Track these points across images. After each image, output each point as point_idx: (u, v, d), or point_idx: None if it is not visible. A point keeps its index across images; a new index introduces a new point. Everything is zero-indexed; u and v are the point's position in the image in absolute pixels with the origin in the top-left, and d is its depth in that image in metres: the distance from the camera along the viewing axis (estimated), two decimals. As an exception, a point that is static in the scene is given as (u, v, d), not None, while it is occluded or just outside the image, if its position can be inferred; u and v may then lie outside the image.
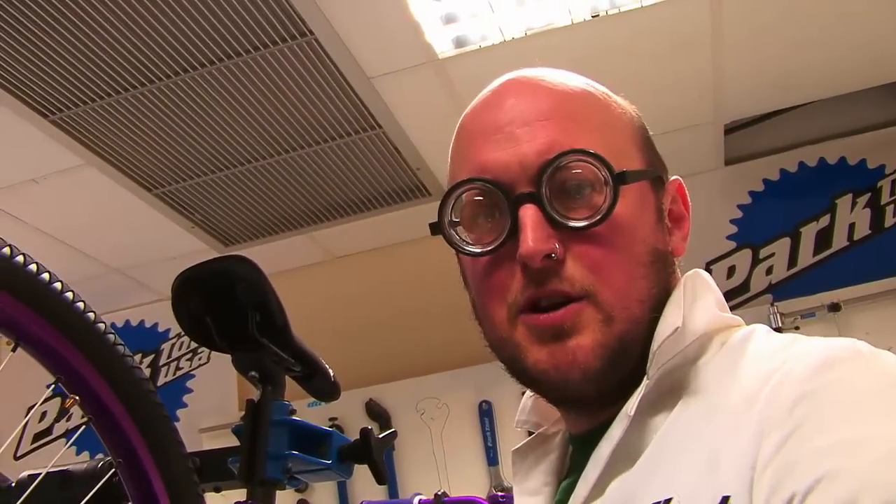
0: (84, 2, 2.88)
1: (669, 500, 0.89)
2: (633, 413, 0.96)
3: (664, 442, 0.96)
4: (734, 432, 0.88)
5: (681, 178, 1.15)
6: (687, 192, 1.16)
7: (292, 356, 1.36)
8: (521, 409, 1.26)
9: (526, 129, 1.03)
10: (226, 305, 1.31)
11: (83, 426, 1.07)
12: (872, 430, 0.80)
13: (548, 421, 1.22)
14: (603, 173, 1.00)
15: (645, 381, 0.98)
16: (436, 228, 1.09)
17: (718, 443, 0.89)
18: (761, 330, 1.03)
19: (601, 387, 1.00)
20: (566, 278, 0.99)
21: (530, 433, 1.24)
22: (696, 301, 1.05)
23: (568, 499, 1.02)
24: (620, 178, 1.01)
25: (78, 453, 4.18)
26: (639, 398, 0.96)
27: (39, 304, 0.98)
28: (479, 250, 1.05)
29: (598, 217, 0.99)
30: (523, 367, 1.04)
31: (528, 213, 0.99)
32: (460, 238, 1.07)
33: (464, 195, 1.06)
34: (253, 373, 1.33)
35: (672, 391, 0.99)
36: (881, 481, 0.75)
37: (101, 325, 1.06)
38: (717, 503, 0.85)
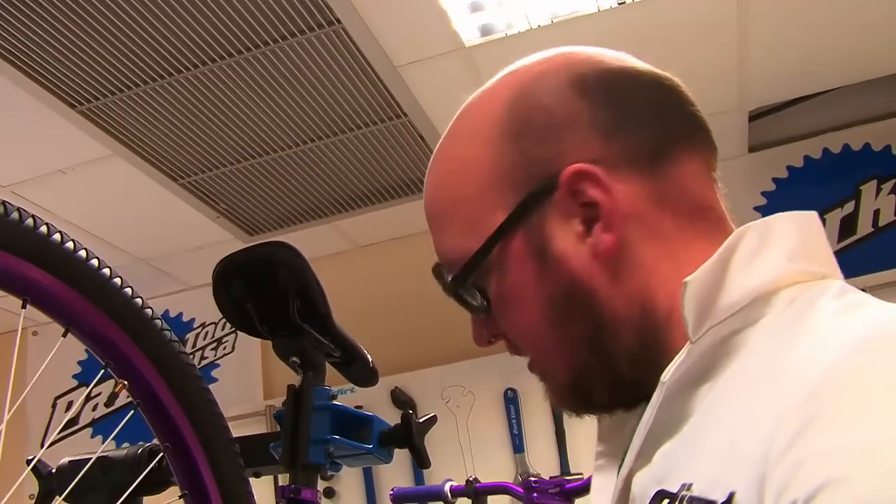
0: (112, -8, 2.89)
1: (692, 485, 0.84)
2: (666, 379, 0.90)
3: (706, 415, 0.89)
4: (756, 416, 0.79)
5: (579, 165, 0.96)
6: (592, 168, 0.96)
7: (333, 342, 1.36)
8: None
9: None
10: (267, 291, 1.32)
11: (130, 412, 1.08)
12: (887, 434, 0.68)
13: None
14: (455, 283, 1.03)
15: (687, 346, 0.90)
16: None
17: (741, 426, 0.81)
18: (834, 289, 0.91)
19: (598, 408, 1.04)
20: (512, 346, 1.06)
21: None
22: (760, 254, 0.93)
23: None
24: (468, 275, 1.02)
25: (104, 442, 4.20)
26: (677, 364, 0.90)
27: (89, 290, 0.99)
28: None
29: (483, 314, 1.05)
30: None
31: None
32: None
33: None
34: (294, 358, 1.33)
35: (727, 356, 0.91)
36: (889, 497, 0.65)
37: (149, 311, 1.07)
38: (724, 498, 0.78)
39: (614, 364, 0.97)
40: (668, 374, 0.90)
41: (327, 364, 1.41)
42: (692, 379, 0.91)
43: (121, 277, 1.04)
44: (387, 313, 4.82)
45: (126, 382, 1.05)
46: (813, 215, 0.98)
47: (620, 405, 1.02)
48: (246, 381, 5.03)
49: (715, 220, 1.01)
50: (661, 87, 1.04)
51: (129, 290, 1.04)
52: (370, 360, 1.46)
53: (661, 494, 0.88)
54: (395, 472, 4.36)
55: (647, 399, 0.92)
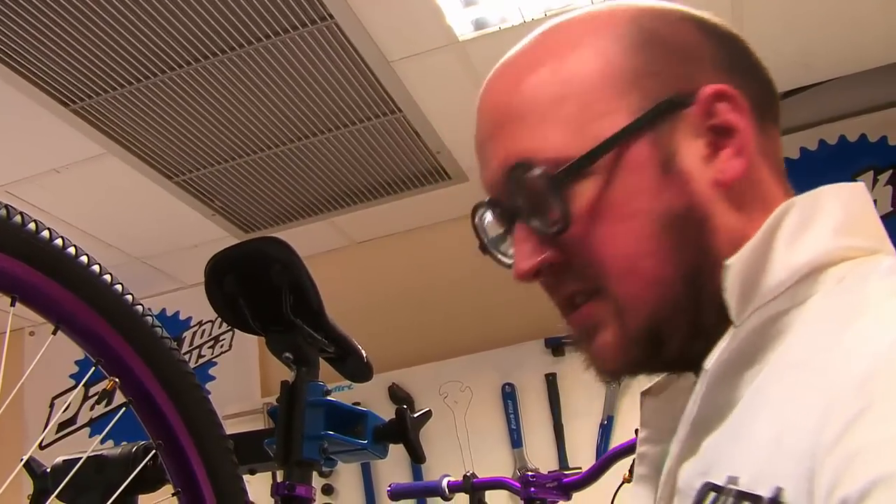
0: (103, -10, 2.89)
1: (738, 478, 0.80)
2: (709, 367, 0.87)
3: (752, 402, 0.85)
4: (806, 403, 0.75)
5: (720, 86, 0.95)
6: (736, 92, 0.95)
7: (326, 337, 1.36)
8: None
9: (487, 148, 0.99)
10: (260, 287, 1.32)
11: (121, 410, 1.08)
12: None
13: None
14: (542, 182, 0.93)
15: (731, 331, 0.87)
16: (481, 249, 1.06)
17: (787, 416, 0.77)
18: (884, 266, 0.88)
19: (668, 360, 0.95)
20: (570, 280, 0.95)
21: None
22: (808, 228, 0.90)
23: None
24: (561, 182, 0.92)
25: (102, 442, 4.19)
26: (720, 350, 0.87)
27: (79, 287, 0.98)
28: (510, 263, 1.00)
29: (560, 225, 0.92)
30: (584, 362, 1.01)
31: (517, 231, 0.96)
32: (500, 254, 1.03)
33: (482, 217, 1.03)
34: (287, 354, 1.33)
35: (774, 338, 0.87)
36: None
37: (140, 308, 1.06)
38: (771, 493, 0.74)
39: (703, 307, 0.91)
40: (711, 361, 0.87)
41: (323, 361, 1.41)
42: (737, 363, 0.88)
43: (111, 274, 1.03)
44: (384, 309, 4.81)
45: (118, 380, 1.04)
46: (861, 186, 0.97)
47: (684, 363, 0.95)
48: (243, 379, 5.02)
49: (789, 186, 1.00)
50: (752, 52, 1.04)
51: (119, 288, 1.04)
52: (364, 355, 1.45)
53: (708, 487, 0.85)
54: (394, 468, 4.35)
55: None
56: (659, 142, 0.93)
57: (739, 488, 0.79)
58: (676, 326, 0.92)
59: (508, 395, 4.41)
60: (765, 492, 0.75)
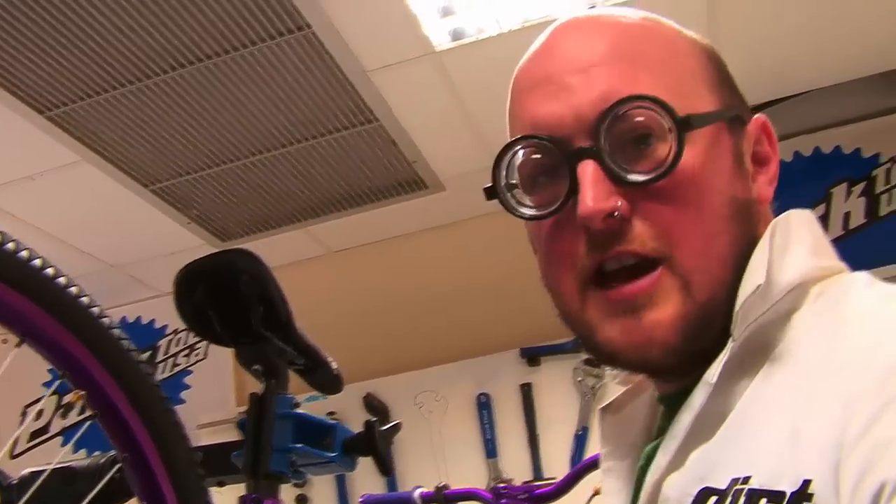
0: (79, -3, 2.87)
1: (748, 478, 0.81)
2: (714, 381, 0.88)
3: (748, 410, 0.88)
4: (821, 403, 0.78)
5: (765, 117, 1.04)
6: (773, 130, 1.05)
7: (295, 349, 1.36)
8: None
9: (579, 77, 0.95)
10: (229, 299, 1.31)
11: (88, 422, 1.07)
12: None
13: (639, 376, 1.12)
14: (666, 120, 0.92)
15: (730, 344, 0.89)
16: (490, 192, 1.00)
17: (803, 414, 0.79)
18: (862, 280, 0.92)
19: (684, 358, 0.93)
20: (634, 238, 0.92)
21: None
22: (788, 248, 0.94)
23: (650, 465, 0.95)
24: (685, 124, 0.92)
25: (75, 451, 4.17)
26: (722, 364, 0.88)
27: (44, 299, 0.98)
28: (536, 213, 0.98)
29: (662, 170, 0.91)
30: (596, 344, 0.97)
31: (587, 169, 0.91)
32: (517, 201, 0.99)
33: (518, 154, 0.98)
34: (256, 366, 1.33)
35: (761, 351, 0.90)
36: None
37: (107, 320, 1.06)
38: (797, 486, 0.76)
39: (733, 301, 0.92)
40: (714, 375, 0.88)
41: (294, 372, 1.41)
42: (730, 374, 0.89)
43: (77, 286, 1.03)
44: (360, 318, 4.81)
45: (84, 392, 1.03)
46: (811, 213, 1.02)
47: (695, 364, 0.94)
48: (218, 388, 5.00)
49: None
50: None
51: (85, 300, 1.03)
52: (334, 366, 1.45)
53: (707, 492, 0.86)
54: (369, 478, 4.33)
55: (691, 383, 0.92)
56: (736, 140, 1.00)
57: (752, 487, 0.80)
58: (720, 312, 0.92)
59: (484, 405, 4.41)
60: (787, 486, 0.77)
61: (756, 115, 1.03)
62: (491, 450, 4.34)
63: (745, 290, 0.90)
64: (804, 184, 4.52)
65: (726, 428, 0.88)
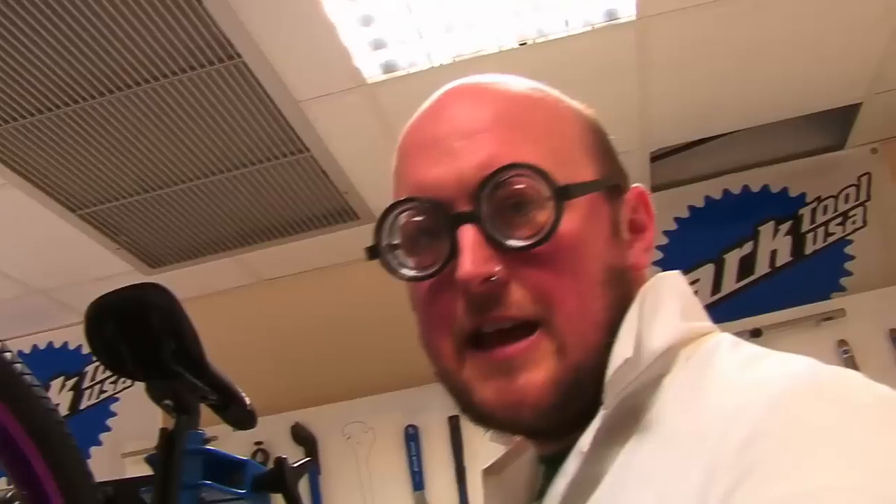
0: (4, 19, 2.84)
1: None
2: (586, 449, 0.89)
3: (619, 477, 0.88)
4: (683, 471, 0.79)
5: (642, 187, 1.07)
6: (650, 199, 1.07)
7: (208, 384, 1.34)
8: None
9: (464, 142, 0.96)
10: (140, 333, 1.30)
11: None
12: (831, 480, 0.69)
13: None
14: (545, 189, 0.93)
15: (601, 413, 0.89)
16: (372, 252, 1.01)
17: (669, 484, 0.80)
18: (726, 343, 0.94)
19: (557, 422, 0.95)
20: (512, 303, 0.93)
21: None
22: (657, 314, 0.95)
23: None
24: (564, 193, 0.93)
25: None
26: (594, 432, 0.89)
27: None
28: (416, 274, 0.98)
29: (540, 236, 0.92)
30: (471, 405, 0.98)
31: (467, 234, 0.92)
32: (398, 262, 1.00)
33: (401, 216, 0.99)
34: (167, 401, 1.31)
35: (632, 416, 0.91)
36: None
37: (8, 354, 1.04)
38: None
39: (604, 367, 0.92)
40: (586, 444, 0.89)
41: (209, 407, 1.40)
42: (602, 440, 0.90)
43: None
44: (289, 347, 4.78)
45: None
46: (680, 274, 1.04)
47: (555, 433, 0.97)
48: (145, 416, 4.91)
49: None
50: None
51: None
52: (248, 402, 1.44)
53: None
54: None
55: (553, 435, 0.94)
56: (613, 208, 1.02)
57: None
58: (592, 379, 0.93)
59: (412, 437, 4.40)
60: None
61: (633, 185, 1.06)
62: (418, 482, 4.33)
63: (614, 362, 0.90)
64: (732, 221, 4.59)
65: (599, 495, 0.88)
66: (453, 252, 0.93)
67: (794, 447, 0.73)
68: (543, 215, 0.93)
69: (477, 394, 0.96)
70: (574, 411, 0.93)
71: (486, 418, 0.98)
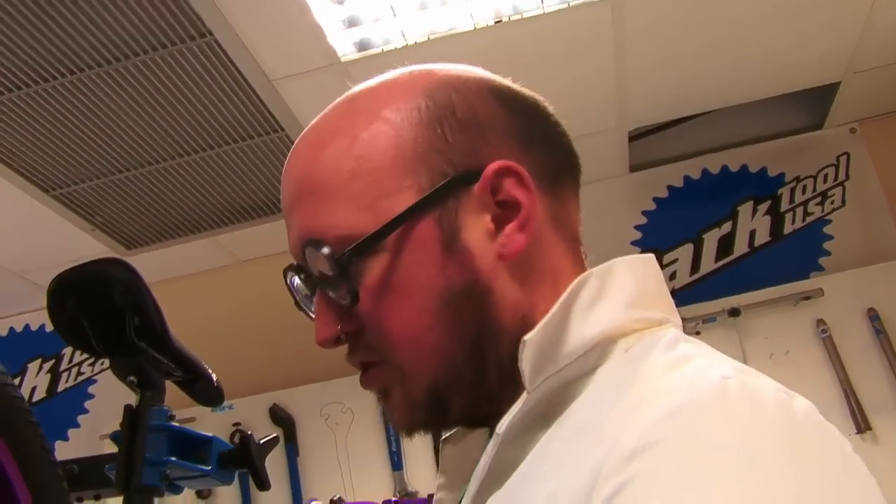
0: (-26, -2, 2.81)
1: None
2: (501, 431, 0.89)
3: (531, 465, 0.89)
4: (577, 468, 0.79)
5: (504, 162, 0.97)
6: (520, 167, 0.97)
7: (172, 360, 1.34)
8: None
9: (289, 221, 1.03)
10: (103, 309, 1.29)
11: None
12: (711, 501, 0.68)
13: None
14: (328, 268, 0.96)
15: (522, 397, 0.89)
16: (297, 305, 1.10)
17: (565, 477, 0.81)
18: (666, 339, 0.92)
19: (450, 422, 1.02)
20: (363, 349, 0.99)
21: None
22: (598, 301, 0.94)
23: None
24: (347, 265, 0.94)
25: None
26: (511, 416, 0.89)
27: None
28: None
29: (346, 303, 0.96)
30: None
31: (317, 300, 1.01)
32: (308, 308, 1.07)
33: (289, 273, 1.08)
34: (131, 378, 1.31)
35: (561, 405, 0.91)
36: None
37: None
38: None
39: (485, 373, 0.95)
40: (503, 426, 0.89)
41: (176, 384, 1.39)
42: (526, 426, 0.91)
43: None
44: (267, 328, 4.76)
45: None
46: (651, 258, 1.02)
47: (472, 421, 1.01)
48: (123, 397, 4.89)
49: (581, 253, 1.04)
50: (551, 117, 1.06)
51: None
52: (215, 378, 1.43)
53: None
54: (274, 493, 4.29)
55: (498, 417, 0.91)
56: (444, 219, 0.95)
57: None
58: (458, 391, 0.96)
59: (390, 418, 4.40)
60: None
61: (490, 164, 0.96)
62: (396, 462, 4.33)
63: (521, 347, 0.90)
64: (711, 201, 4.60)
65: (514, 479, 0.90)
66: None
67: (678, 463, 0.71)
68: (344, 280, 0.96)
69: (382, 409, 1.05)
70: (463, 409, 0.98)
71: (396, 429, 1.06)
